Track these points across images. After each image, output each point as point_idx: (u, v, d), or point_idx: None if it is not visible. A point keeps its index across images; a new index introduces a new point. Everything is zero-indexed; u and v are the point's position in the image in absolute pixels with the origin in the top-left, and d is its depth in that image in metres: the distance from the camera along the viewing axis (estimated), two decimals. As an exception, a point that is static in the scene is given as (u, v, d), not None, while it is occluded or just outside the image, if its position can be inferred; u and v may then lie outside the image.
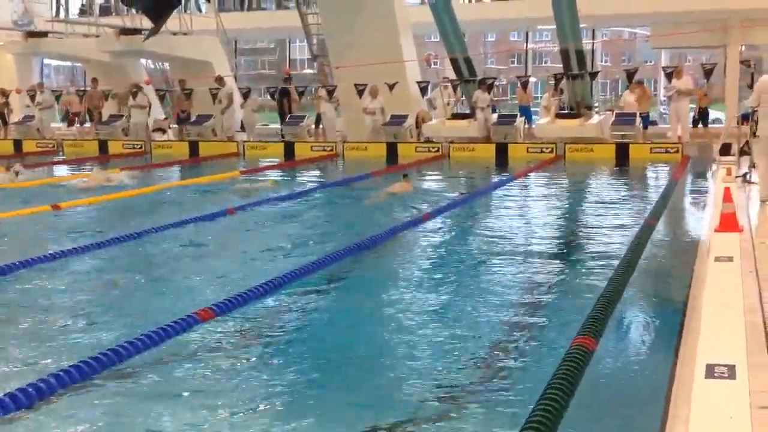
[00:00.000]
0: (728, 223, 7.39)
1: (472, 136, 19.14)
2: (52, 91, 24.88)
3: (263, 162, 18.35)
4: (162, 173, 16.74)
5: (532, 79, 24.69)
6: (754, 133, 9.75)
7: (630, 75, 19.93)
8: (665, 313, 5.65)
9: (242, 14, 28.85)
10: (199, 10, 27.85)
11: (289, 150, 19.63)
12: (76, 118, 24.97)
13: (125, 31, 23.17)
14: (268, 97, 23.68)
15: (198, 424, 3.93)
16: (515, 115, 20.45)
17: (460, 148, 18.62)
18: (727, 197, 7.74)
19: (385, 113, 19.86)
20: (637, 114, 18.51)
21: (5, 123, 23.72)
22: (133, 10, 23.50)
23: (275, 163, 18.17)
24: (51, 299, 6.27)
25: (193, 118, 21.86)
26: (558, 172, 16.18)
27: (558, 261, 7.68)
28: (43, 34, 26.04)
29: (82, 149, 21.09)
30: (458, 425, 3.90)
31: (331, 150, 19.48)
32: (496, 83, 24.44)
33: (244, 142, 20.61)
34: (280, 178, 15.56)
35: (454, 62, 20.53)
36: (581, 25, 19.53)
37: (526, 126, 20.44)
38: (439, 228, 9.48)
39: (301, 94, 22.18)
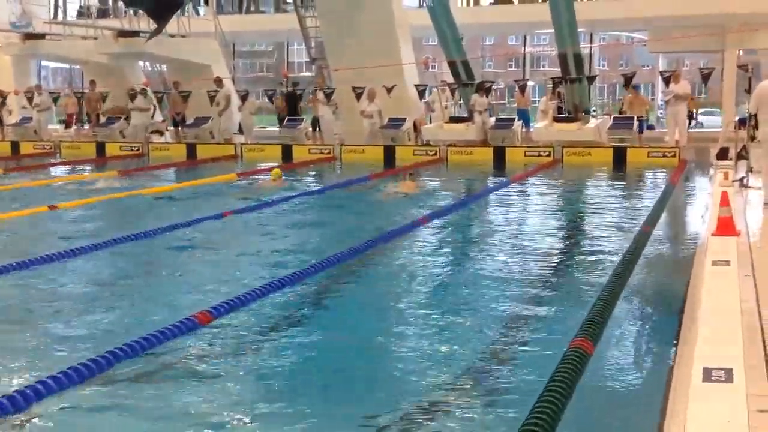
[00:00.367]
0: (725, 227, 7.40)
1: (470, 139, 19.16)
2: (50, 93, 24.87)
3: (261, 165, 18.29)
4: (160, 174, 16.71)
5: (530, 83, 24.78)
6: (752, 138, 9.78)
7: (627, 79, 19.99)
8: (662, 317, 5.65)
9: (240, 17, 28.85)
10: (197, 12, 27.84)
11: (286, 153, 19.63)
12: (73, 119, 24.95)
13: (123, 33, 23.16)
14: (266, 99, 23.68)
15: (198, 424, 3.93)
16: (513, 119, 20.49)
17: (458, 152, 18.64)
18: (725, 201, 7.74)
19: (383, 116, 19.88)
20: (635, 118, 18.55)
21: (2, 124, 23.69)
22: (132, 12, 23.50)
23: (273, 166, 18.09)
24: (45, 302, 6.24)
25: (189, 120, 21.84)
26: (555, 175, 16.17)
27: (555, 263, 7.69)
28: (41, 36, 26.03)
29: (80, 151, 21.08)
30: (456, 426, 3.91)
31: (329, 153, 19.48)
32: (494, 87, 24.49)
33: (242, 144, 20.61)
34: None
35: (452, 65, 20.53)
36: (579, 29, 19.54)
37: (524, 129, 20.46)
38: (435, 233, 9.46)
39: (299, 96, 22.21)
